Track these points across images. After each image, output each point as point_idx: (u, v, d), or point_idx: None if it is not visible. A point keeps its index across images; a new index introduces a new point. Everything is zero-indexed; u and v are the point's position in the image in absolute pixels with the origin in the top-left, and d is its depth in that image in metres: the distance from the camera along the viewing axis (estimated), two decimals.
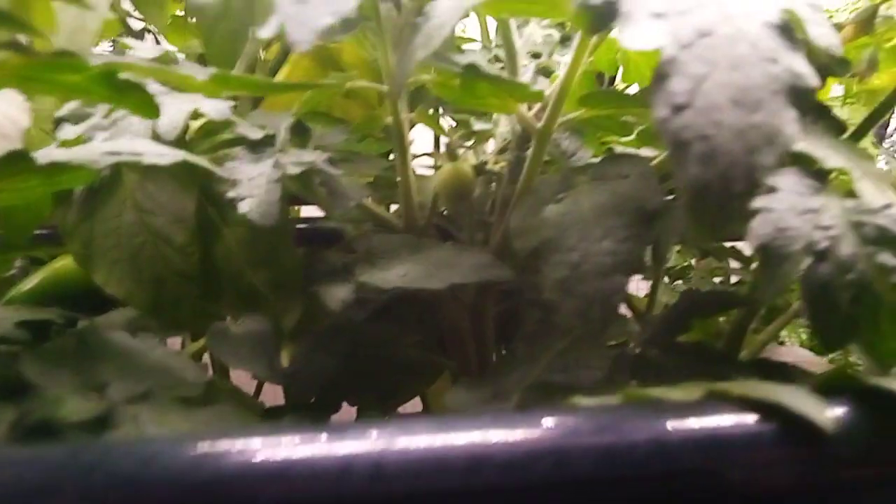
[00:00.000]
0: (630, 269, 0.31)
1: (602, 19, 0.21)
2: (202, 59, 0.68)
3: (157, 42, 0.85)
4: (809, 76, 0.21)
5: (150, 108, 0.34)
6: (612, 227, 0.32)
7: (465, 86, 0.35)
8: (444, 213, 0.51)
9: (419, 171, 0.54)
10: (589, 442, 0.20)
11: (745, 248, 0.40)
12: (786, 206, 0.25)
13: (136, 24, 0.85)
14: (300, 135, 0.50)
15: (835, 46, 0.23)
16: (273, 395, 0.53)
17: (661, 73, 0.20)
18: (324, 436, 0.19)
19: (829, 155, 0.27)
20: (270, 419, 0.36)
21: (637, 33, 0.20)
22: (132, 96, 0.34)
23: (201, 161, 0.39)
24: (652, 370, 0.32)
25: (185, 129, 0.52)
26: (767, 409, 0.20)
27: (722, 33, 0.21)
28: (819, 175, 0.27)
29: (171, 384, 0.28)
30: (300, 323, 0.57)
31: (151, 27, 0.84)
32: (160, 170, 0.45)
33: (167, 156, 0.38)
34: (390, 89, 0.35)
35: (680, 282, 1.21)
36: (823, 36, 0.23)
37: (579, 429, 0.21)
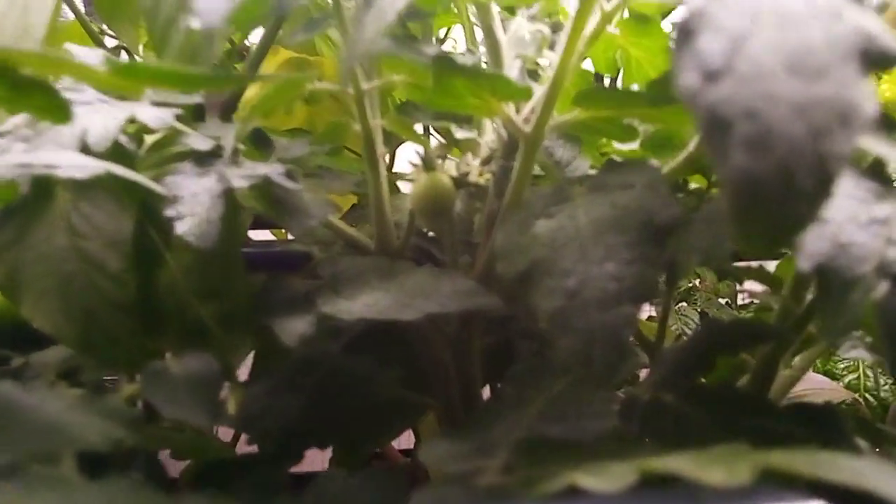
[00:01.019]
0: (639, 296, 0.25)
1: None
2: None
3: None
4: (888, 38, 0.15)
5: (58, 112, 0.28)
6: (615, 247, 0.26)
7: (438, 83, 0.30)
8: (428, 233, 0.46)
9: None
10: None
11: (773, 267, 0.35)
12: (845, 215, 0.19)
13: (111, 42, 0.81)
14: (262, 147, 0.45)
15: None
16: None
17: (686, 29, 0.14)
18: None
19: (891, 152, 0.21)
20: (193, 486, 0.29)
21: None
22: (35, 97, 0.28)
23: (131, 174, 0.33)
24: (669, 421, 0.26)
25: (140, 141, 0.47)
26: (849, 497, 0.14)
27: None
28: (879, 176, 0.21)
29: (63, 448, 0.22)
30: (265, 357, 0.51)
31: (126, 45, 0.79)
32: (95, 186, 0.39)
33: (88, 168, 0.32)
34: (343, 74, 0.29)
35: (685, 304, 1.15)
36: None
37: None
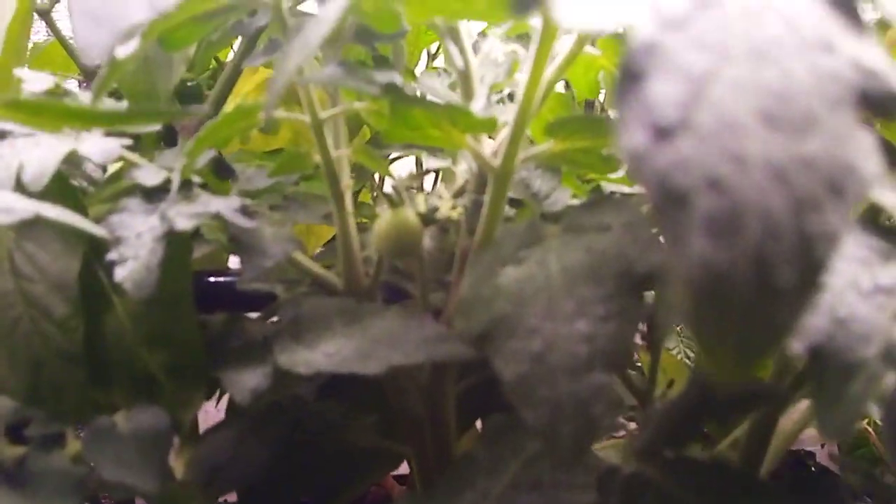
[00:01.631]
0: (613, 361, 0.22)
1: None
2: None
3: None
4: (888, 73, 0.12)
5: None
6: (588, 300, 0.23)
7: (395, 113, 0.27)
8: (401, 268, 0.43)
9: None
10: None
11: None
12: (843, 280, 0.16)
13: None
14: (224, 176, 0.42)
15: None
16: None
17: (632, 71, 0.11)
18: None
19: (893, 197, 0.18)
20: None
21: (589, 2, 0.11)
22: None
23: (66, 216, 0.31)
24: (651, 500, 0.23)
25: (104, 171, 0.44)
26: None
27: (736, 2, 0.12)
28: (881, 228, 0.18)
29: None
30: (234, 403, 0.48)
31: None
32: (38, 224, 0.37)
33: (15, 211, 0.29)
34: (267, 108, 0.25)
35: None
36: None
37: None
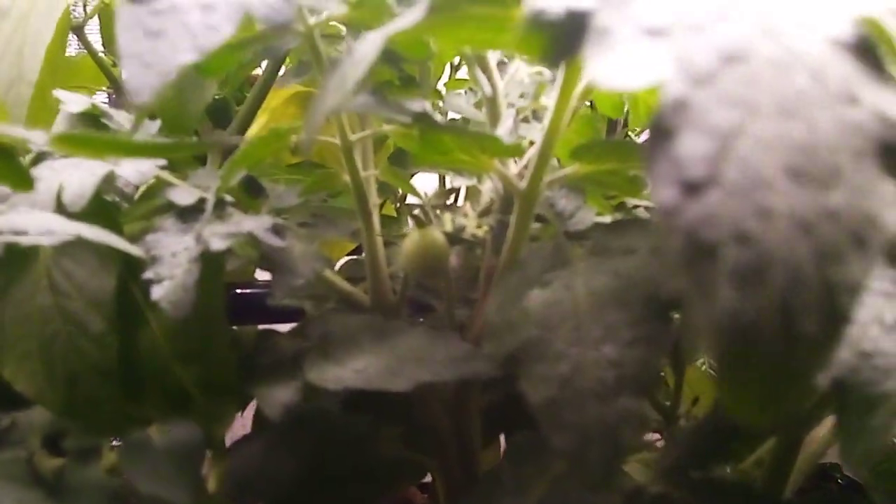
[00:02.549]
0: (640, 386, 0.22)
1: (566, 43, 0.13)
2: None
3: None
4: None
5: (19, 179, 0.27)
6: (615, 325, 0.24)
7: (424, 139, 0.28)
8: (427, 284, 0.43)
9: None
10: None
11: None
12: (868, 315, 0.16)
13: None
14: (255, 194, 0.43)
15: None
16: None
17: (662, 127, 0.12)
18: None
19: None
20: None
21: (621, 61, 0.12)
22: None
23: (105, 237, 0.32)
24: None
25: (135, 192, 0.45)
26: None
27: (763, 56, 0.13)
28: None
29: None
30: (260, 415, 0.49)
31: None
32: (78, 243, 0.38)
33: (57, 233, 0.30)
34: (305, 144, 0.26)
35: None
36: None
37: None
